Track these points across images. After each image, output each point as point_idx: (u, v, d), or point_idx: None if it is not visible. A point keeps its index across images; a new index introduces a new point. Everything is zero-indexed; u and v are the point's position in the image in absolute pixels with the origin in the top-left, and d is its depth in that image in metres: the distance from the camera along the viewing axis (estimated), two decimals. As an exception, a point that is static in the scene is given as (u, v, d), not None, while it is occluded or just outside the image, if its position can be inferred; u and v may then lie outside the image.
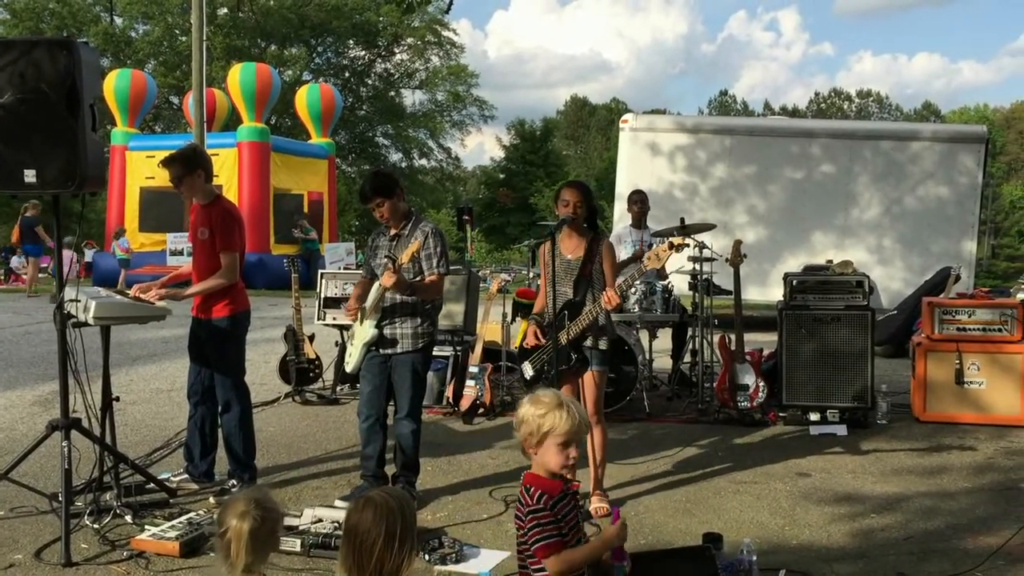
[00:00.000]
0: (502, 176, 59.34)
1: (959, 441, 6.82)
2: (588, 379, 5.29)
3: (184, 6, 38.73)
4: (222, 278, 5.35)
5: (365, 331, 5.35)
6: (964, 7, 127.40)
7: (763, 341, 9.63)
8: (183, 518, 4.77)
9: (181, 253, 20.94)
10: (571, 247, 5.39)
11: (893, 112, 77.73)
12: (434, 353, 6.26)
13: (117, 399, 5.29)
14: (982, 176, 13.76)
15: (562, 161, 62.72)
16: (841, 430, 7.07)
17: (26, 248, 19.67)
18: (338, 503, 5.04)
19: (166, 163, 5.40)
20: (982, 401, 7.25)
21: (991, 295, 8.61)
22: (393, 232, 5.43)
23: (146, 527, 4.70)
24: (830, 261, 8.59)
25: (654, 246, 5.08)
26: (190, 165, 5.37)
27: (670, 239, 4.96)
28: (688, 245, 7.39)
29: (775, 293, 12.94)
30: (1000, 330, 7.29)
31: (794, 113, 71.87)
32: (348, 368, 5.55)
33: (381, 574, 2.39)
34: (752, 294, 12.85)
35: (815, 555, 4.52)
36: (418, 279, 5.31)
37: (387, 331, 5.32)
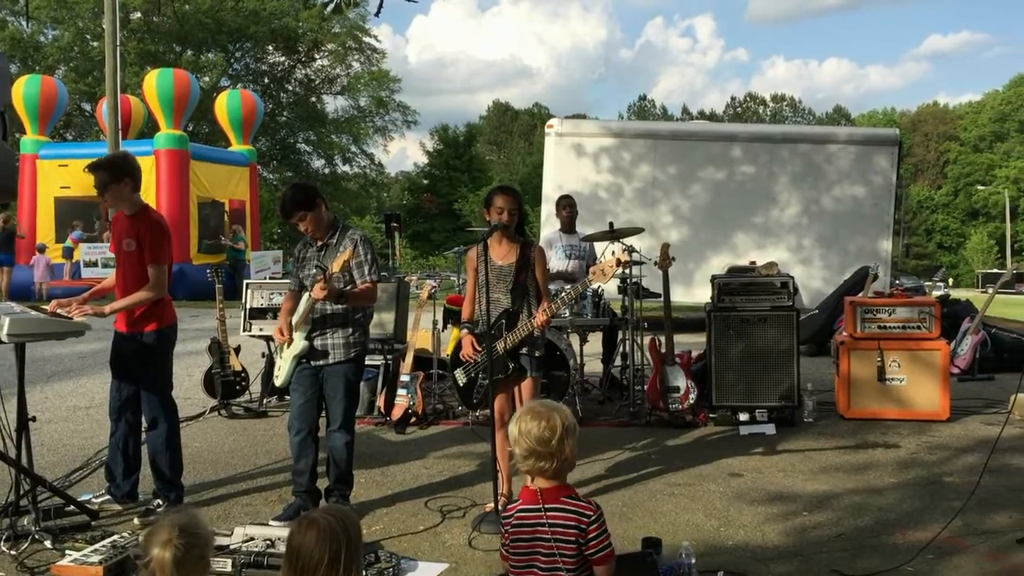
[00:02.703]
0: (426, 182, 59.29)
1: (883, 438, 6.97)
2: (524, 386, 5.28)
3: (95, 10, 37.71)
4: (150, 292, 5.17)
5: (295, 343, 5.23)
6: (871, 14, 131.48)
7: (690, 342, 9.72)
8: (106, 541, 4.57)
9: (96, 264, 20.38)
10: (502, 253, 5.35)
11: (807, 116, 79.78)
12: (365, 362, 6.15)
13: (33, 419, 5.07)
14: (896, 177, 14.19)
15: (486, 166, 62.92)
16: (770, 429, 7.19)
17: (1, 257, 20.17)
18: (272, 523, 4.91)
19: (91, 168, 5.19)
20: (903, 397, 7.44)
21: (909, 293, 8.84)
22: (320, 243, 5.32)
23: (67, 552, 4.50)
24: (753, 262, 8.73)
25: (598, 260, 5.04)
26: (116, 173, 5.17)
27: (616, 256, 4.93)
28: (642, 263, 7.43)
29: (699, 294, 13.14)
30: (919, 327, 7.50)
31: (711, 117, 73.35)
32: (278, 382, 5.41)
33: (325, 597, 2.32)
34: (677, 295, 12.97)
35: (751, 555, 4.56)
36: (349, 288, 5.21)
37: (318, 342, 5.22)
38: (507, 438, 5.33)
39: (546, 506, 2.97)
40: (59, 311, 5.13)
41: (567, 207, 8.57)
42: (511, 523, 3.03)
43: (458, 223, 51.98)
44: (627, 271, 7.88)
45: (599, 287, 8.01)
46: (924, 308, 7.55)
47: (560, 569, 2.93)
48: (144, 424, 5.40)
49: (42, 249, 21.28)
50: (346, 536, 2.35)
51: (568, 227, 8.57)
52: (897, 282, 13.29)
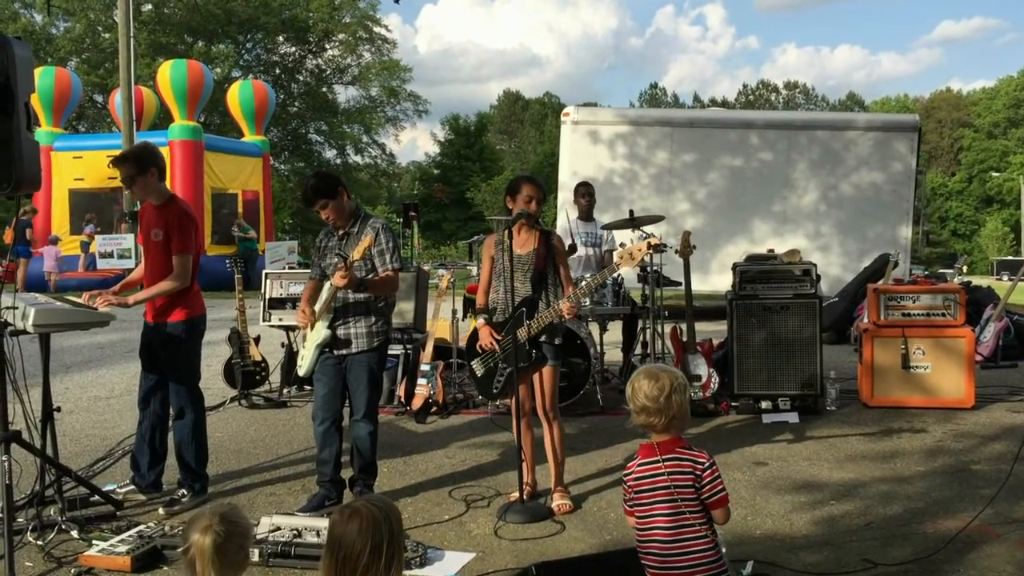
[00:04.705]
0: (437, 171, 59.25)
1: (908, 425, 6.92)
2: (544, 374, 5.23)
3: (107, 2, 37.75)
4: (173, 282, 5.15)
5: (318, 332, 5.21)
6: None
7: (709, 331, 9.69)
8: (132, 531, 4.58)
9: (112, 255, 20.45)
10: (520, 242, 5.30)
11: (820, 103, 79.28)
12: (385, 352, 6.12)
13: (58, 409, 5.07)
14: (915, 163, 14.08)
15: (497, 155, 62.80)
16: (793, 417, 7.14)
17: (19, 248, 20.17)
18: (298, 513, 4.90)
19: (117, 162, 5.19)
20: (928, 385, 7.37)
21: (932, 280, 8.77)
22: (342, 231, 5.29)
23: (94, 542, 4.50)
24: (771, 250, 8.68)
25: (626, 244, 4.99)
26: (142, 164, 5.16)
27: (648, 239, 4.88)
28: (666, 247, 7.38)
29: (716, 281, 13.09)
30: (943, 315, 7.42)
31: (723, 105, 72.98)
32: (301, 371, 5.40)
33: (366, 589, 2.29)
34: (693, 283, 12.95)
35: (780, 545, 4.52)
36: (371, 276, 5.18)
37: (340, 331, 5.19)
38: (529, 427, 5.34)
39: (663, 457, 3.25)
40: (88, 302, 5.13)
41: (586, 195, 8.51)
42: (632, 478, 3.31)
43: (470, 213, 51.99)
44: (647, 258, 7.84)
45: (619, 276, 7.97)
46: (948, 295, 7.48)
47: (684, 513, 3.21)
48: (173, 414, 5.39)
49: (54, 241, 21.44)
50: (388, 526, 2.32)
51: (586, 215, 8.52)
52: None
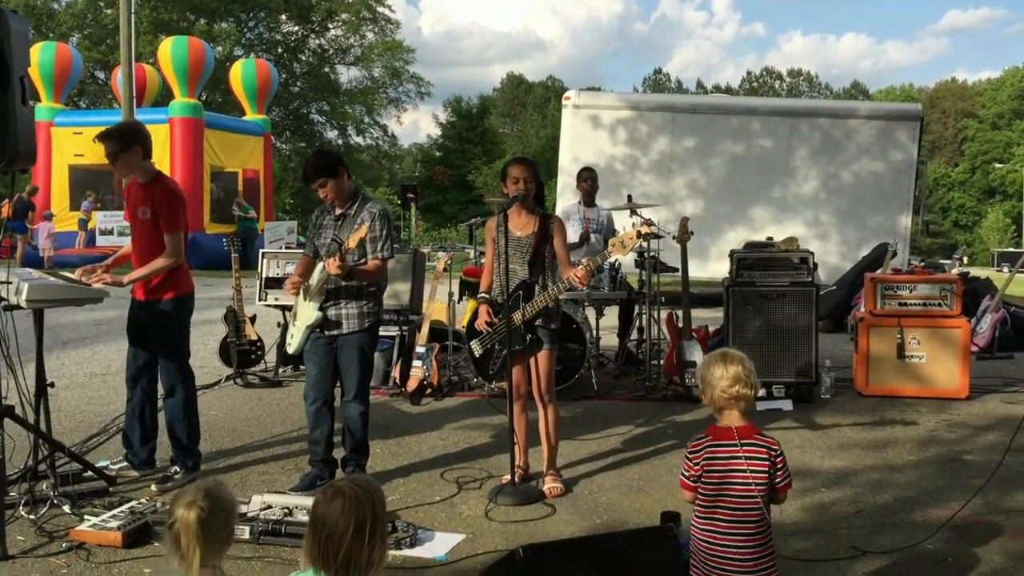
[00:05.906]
0: (438, 154, 59.12)
1: (902, 415, 6.93)
2: (540, 358, 5.23)
3: (109, -23, 37.59)
4: (167, 259, 5.15)
5: (308, 313, 5.20)
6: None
7: (706, 317, 9.69)
8: (124, 507, 4.59)
9: (112, 232, 20.46)
10: (520, 224, 5.29)
11: (823, 91, 78.94)
12: (380, 333, 6.11)
13: (52, 385, 5.07)
14: (917, 153, 14.05)
15: (499, 139, 62.64)
16: (787, 405, 7.14)
17: (15, 225, 20.20)
18: (290, 492, 4.91)
19: (101, 138, 5.16)
20: (923, 375, 7.38)
21: (929, 270, 8.76)
22: (339, 212, 5.27)
23: (85, 517, 4.51)
24: (770, 237, 8.66)
25: (618, 233, 4.98)
26: (126, 141, 5.13)
27: (638, 228, 4.87)
28: (660, 236, 7.37)
29: (714, 268, 13.08)
30: (940, 305, 7.42)
31: (727, 91, 72.70)
32: (290, 350, 5.40)
33: (349, 567, 2.29)
34: (691, 269, 12.94)
35: (770, 531, 4.52)
36: (361, 262, 5.16)
37: (331, 312, 5.18)
38: (524, 410, 5.35)
39: (742, 441, 3.27)
40: (82, 278, 5.13)
41: (588, 179, 8.49)
42: (702, 456, 3.30)
43: (471, 195, 51.92)
44: (645, 244, 7.83)
45: (616, 260, 7.95)
46: (945, 285, 7.48)
47: (755, 496, 3.24)
48: (161, 392, 5.40)
49: (48, 217, 21.46)
50: (371, 507, 2.32)
51: (588, 200, 8.50)
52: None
